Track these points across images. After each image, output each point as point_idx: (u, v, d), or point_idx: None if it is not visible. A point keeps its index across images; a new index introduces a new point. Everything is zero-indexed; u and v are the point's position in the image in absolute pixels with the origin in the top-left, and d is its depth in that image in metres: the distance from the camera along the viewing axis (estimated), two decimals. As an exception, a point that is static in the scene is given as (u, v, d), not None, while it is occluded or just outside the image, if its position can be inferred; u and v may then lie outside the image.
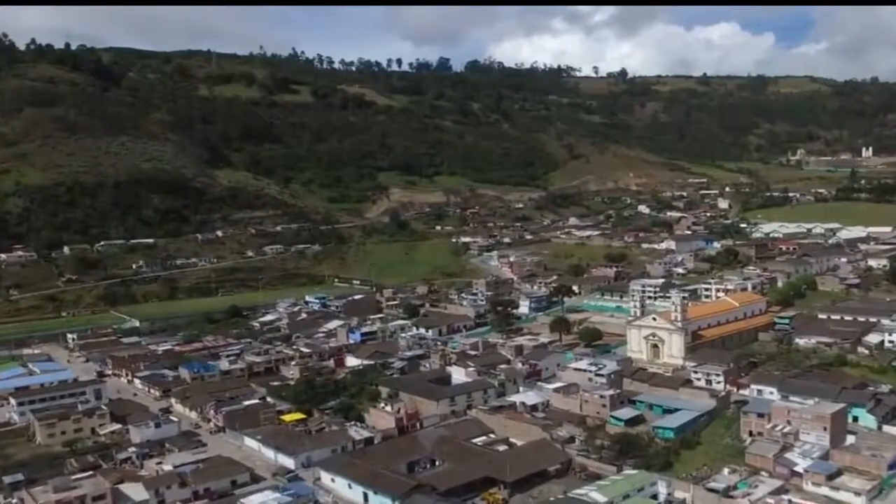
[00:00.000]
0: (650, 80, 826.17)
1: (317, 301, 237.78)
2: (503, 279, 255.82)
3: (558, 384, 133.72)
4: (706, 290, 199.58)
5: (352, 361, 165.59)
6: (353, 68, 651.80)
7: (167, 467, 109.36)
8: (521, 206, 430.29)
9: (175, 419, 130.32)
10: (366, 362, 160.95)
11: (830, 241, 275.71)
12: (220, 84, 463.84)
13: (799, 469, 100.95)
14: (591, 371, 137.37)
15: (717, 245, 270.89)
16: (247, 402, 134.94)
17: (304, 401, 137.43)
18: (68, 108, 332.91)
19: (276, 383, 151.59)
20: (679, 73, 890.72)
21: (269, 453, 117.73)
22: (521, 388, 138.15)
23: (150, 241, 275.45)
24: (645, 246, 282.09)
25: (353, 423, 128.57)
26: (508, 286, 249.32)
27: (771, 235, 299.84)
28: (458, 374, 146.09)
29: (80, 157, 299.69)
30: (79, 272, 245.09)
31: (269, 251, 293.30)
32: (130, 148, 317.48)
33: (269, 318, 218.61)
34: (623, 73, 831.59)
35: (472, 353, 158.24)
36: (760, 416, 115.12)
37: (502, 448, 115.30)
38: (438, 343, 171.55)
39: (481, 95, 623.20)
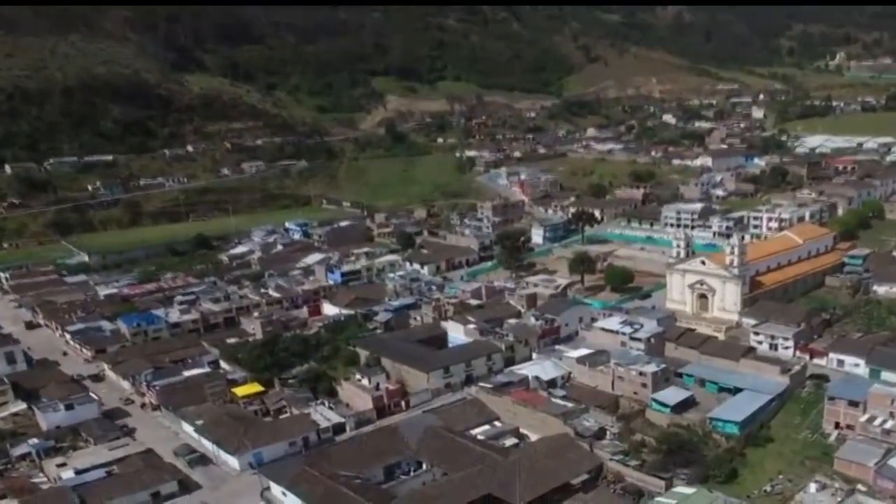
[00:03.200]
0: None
1: (297, 228, 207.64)
2: (513, 202, 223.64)
3: (582, 350, 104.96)
4: (755, 218, 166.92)
5: (329, 310, 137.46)
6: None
7: (67, 474, 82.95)
8: (533, 115, 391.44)
9: (94, 397, 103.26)
10: (345, 312, 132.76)
11: (888, 159, 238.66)
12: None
13: (918, 489, 73.38)
14: (624, 333, 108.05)
15: (759, 162, 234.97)
16: (189, 373, 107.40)
17: (263, 368, 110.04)
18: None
19: (233, 340, 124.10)
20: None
21: (211, 446, 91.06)
22: (534, 354, 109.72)
23: (109, 158, 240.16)
24: (676, 162, 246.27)
25: (320, 400, 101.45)
26: (519, 210, 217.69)
27: (817, 151, 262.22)
28: (456, 333, 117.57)
29: (21, 59, 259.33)
30: (23, 195, 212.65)
31: (247, 169, 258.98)
32: (82, 49, 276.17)
33: (240, 249, 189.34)
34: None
35: (474, 302, 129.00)
36: (853, 403, 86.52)
37: (510, 443, 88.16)
38: (433, 288, 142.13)
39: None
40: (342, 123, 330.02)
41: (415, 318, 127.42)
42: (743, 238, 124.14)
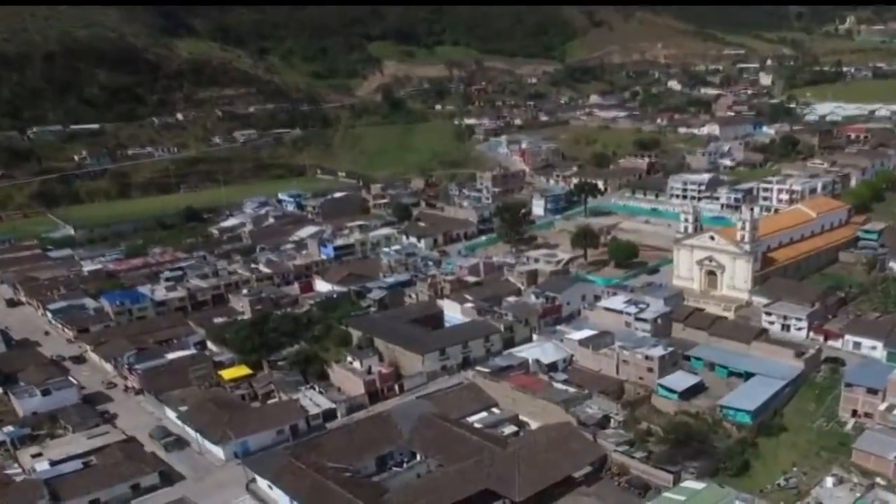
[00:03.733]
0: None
1: (291, 200, 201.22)
2: (513, 171, 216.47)
3: (585, 332, 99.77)
4: (765, 190, 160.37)
5: (321, 286, 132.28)
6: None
7: (41, 465, 78.58)
8: (534, 81, 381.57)
9: (74, 381, 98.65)
10: (338, 289, 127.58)
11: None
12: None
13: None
14: (629, 313, 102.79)
15: (768, 130, 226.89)
16: (173, 356, 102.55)
17: (251, 350, 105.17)
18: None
19: (221, 320, 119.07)
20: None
21: (195, 434, 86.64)
22: (534, 335, 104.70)
23: (96, 126, 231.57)
24: (682, 131, 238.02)
25: (310, 384, 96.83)
26: (519, 180, 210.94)
27: (828, 119, 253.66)
28: (453, 312, 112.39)
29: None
30: (6, 165, 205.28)
31: (239, 137, 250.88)
32: (62, 11, 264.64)
33: (231, 222, 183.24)
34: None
35: (471, 279, 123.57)
36: (872, 391, 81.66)
37: (509, 431, 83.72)
38: (430, 263, 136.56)
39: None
40: (338, 90, 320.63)
41: (410, 296, 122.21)
42: (754, 211, 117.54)
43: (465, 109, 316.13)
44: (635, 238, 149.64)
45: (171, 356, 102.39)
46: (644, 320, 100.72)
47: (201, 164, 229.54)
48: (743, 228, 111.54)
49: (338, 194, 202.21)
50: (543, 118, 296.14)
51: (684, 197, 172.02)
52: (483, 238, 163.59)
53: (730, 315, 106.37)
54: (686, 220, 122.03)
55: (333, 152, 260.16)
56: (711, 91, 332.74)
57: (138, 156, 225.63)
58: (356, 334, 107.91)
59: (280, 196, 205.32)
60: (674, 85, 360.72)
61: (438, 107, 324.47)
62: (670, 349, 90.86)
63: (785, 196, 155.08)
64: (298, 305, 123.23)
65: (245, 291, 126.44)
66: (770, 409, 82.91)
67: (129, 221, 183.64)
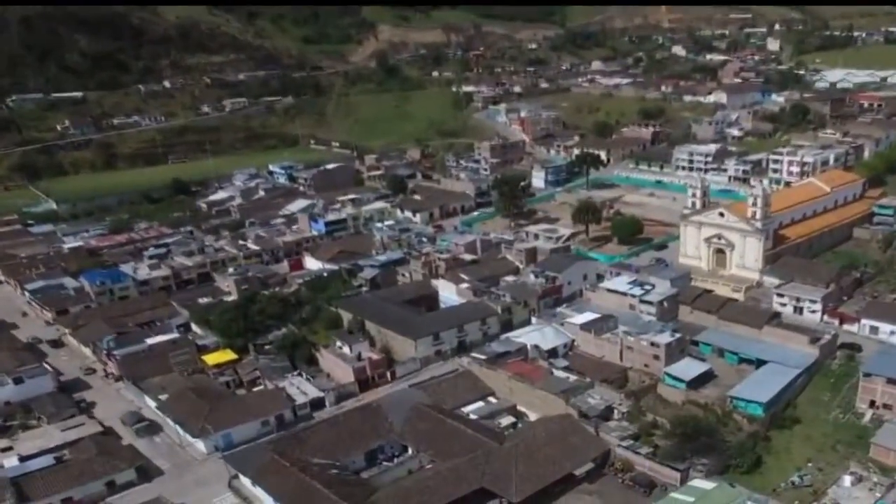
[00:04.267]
0: None
1: (282, 171, 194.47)
2: (512, 141, 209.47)
3: (587, 315, 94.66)
4: (775, 162, 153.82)
5: (312, 264, 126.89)
6: None
7: (10, 461, 74.05)
8: (534, 46, 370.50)
9: (48, 368, 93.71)
10: (328, 267, 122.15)
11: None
12: None
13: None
14: (633, 295, 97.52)
15: (777, 98, 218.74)
16: (153, 340, 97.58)
17: (237, 333, 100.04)
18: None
19: (206, 300, 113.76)
20: None
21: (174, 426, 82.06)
22: (533, 318, 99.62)
23: (78, 94, 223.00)
24: (687, 98, 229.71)
25: (297, 371, 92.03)
26: (519, 150, 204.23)
27: (839, 86, 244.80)
28: (448, 293, 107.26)
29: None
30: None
31: (229, 106, 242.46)
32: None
33: (220, 195, 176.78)
34: None
35: (468, 258, 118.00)
36: (892, 381, 76.83)
37: (506, 422, 79.16)
38: (424, 240, 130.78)
39: None
40: (331, 56, 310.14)
41: (403, 275, 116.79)
42: (765, 185, 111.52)
43: (463, 76, 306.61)
44: (639, 212, 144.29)
45: (151, 341, 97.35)
46: (649, 303, 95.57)
47: (190, 134, 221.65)
48: (754, 204, 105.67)
49: (330, 166, 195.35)
50: (544, 85, 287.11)
51: (690, 169, 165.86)
52: (480, 213, 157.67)
53: (739, 296, 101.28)
54: (693, 195, 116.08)
55: (327, 121, 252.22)
56: (717, 57, 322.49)
57: (124, 125, 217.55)
58: (346, 316, 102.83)
59: (271, 168, 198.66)
60: (678, 51, 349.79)
61: (435, 73, 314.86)
62: (677, 335, 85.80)
63: (796, 168, 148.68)
64: (287, 285, 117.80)
65: (231, 270, 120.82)
66: (783, 399, 78.26)
67: (115, 195, 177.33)
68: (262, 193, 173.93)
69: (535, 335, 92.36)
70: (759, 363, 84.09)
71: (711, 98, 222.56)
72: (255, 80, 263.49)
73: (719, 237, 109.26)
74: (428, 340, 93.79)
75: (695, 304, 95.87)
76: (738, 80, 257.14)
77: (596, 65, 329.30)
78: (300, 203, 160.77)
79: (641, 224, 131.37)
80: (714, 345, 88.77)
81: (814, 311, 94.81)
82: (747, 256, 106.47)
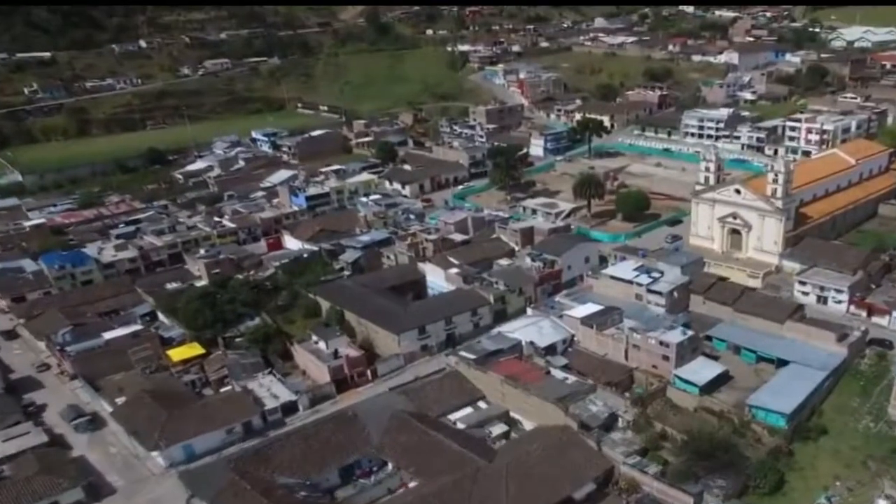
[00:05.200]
0: None
1: (265, 139, 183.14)
2: (510, 105, 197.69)
3: (589, 307, 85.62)
4: (792, 129, 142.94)
5: (291, 244, 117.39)
6: None
7: (-61, 481, 65.90)
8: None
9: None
10: (308, 247, 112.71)
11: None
12: None
13: None
14: (640, 284, 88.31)
15: (791, 58, 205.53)
16: (111, 335, 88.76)
17: (204, 324, 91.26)
18: None
19: (174, 285, 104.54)
20: None
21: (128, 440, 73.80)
22: (529, 308, 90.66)
23: (47, 55, 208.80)
24: (696, 59, 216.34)
25: (269, 369, 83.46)
26: (517, 115, 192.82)
27: (857, 45, 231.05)
28: (436, 278, 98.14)
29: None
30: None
31: (210, 67, 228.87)
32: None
33: (198, 165, 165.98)
34: None
35: (458, 238, 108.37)
36: (931, 385, 68.32)
37: (498, 431, 71.02)
38: (411, 217, 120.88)
39: None
40: (319, 13, 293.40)
41: (388, 257, 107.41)
42: (787, 157, 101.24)
43: (459, 35, 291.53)
44: (645, 184, 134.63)
45: (110, 335, 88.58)
46: (658, 293, 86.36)
47: (169, 98, 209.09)
48: (775, 180, 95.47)
49: (316, 132, 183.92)
50: (544, 44, 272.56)
51: (700, 136, 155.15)
52: (473, 185, 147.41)
53: (756, 283, 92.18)
54: (707, 168, 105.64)
55: (315, 84, 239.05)
56: (728, 13, 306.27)
57: (98, 88, 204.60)
58: (325, 305, 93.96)
59: (253, 134, 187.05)
60: (686, 7, 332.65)
61: (429, 32, 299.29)
62: (689, 333, 76.84)
63: (814, 136, 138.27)
64: (263, 268, 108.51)
65: (202, 252, 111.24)
66: (808, 407, 69.83)
67: (87, 164, 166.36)
68: (241, 163, 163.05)
69: (531, 330, 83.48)
70: (780, 362, 75.50)
71: (722, 58, 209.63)
72: (239, 39, 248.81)
73: (735, 216, 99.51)
74: (413, 334, 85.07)
75: (708, 295, 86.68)
76: (749, 39, 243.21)
77: (599, 22, 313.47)
78: (282, 174, 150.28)
79: (648, 199, 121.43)
80: (729, 341, 80.00)
81: (839, 302, 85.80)
82: (765, 238, 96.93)
